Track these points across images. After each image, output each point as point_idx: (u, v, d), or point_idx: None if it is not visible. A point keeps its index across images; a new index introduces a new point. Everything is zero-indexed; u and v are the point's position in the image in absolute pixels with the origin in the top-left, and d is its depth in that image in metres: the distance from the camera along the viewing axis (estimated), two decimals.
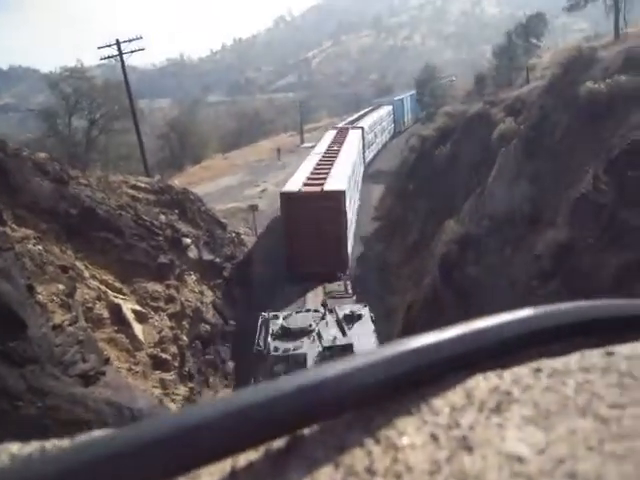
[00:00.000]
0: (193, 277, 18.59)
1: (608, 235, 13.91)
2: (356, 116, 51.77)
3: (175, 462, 0.47)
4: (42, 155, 17.32)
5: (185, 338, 16.29)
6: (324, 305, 15.06)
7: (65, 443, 0.58)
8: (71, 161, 23.73)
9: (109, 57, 30.10)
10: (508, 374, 0.62)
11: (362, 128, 38.96)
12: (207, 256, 19.77)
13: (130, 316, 14.79)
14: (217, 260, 20.19)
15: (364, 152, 38.23)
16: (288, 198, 19.95)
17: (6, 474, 0.46)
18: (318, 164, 25.25)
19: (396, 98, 58.13)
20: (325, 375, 0.53)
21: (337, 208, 19.65)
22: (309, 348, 12.26)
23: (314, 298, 17.09)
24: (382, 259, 25.78)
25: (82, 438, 0.56)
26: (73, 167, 19.01)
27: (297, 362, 11.75)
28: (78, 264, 14.67)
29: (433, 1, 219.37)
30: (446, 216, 21.24)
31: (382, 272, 24.28)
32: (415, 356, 0.58)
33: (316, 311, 14.25)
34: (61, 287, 12.62)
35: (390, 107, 54.27)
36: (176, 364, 15.36)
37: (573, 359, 0.65)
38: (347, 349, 11.86)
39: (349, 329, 13.06)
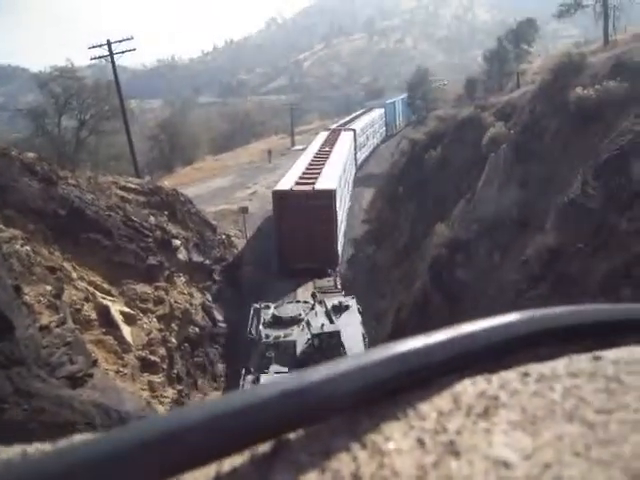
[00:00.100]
0: (182, 279, 18.54)
1: (597, 240, 13.99)
2: (348, 118, 52.26)
3: (158, 467, 0.46)
4: (31, 155, 17.21)
5: (174, 340, 16.22)
6: (314, 296, 15.72)
7: (47, 447, 0.58)
8: (60, 161, 23.58)
9: (100, 57, 29.99)
10: (496, 378, 0.62)
11: (354, 130, 39.62)
12: (197, 258, 19.73)
13: (118, 318, 14.71)
14: (207, 262, 20.15)
15: (356, 154, 38.97)
16: (280, 196, 20.48)
17: None
18: (310, 164, 25.83)
19: (388, 101, 58.66)
20: (311, 380, 0.53)
21: (328, 206, 20.16)
22: (298, 335, 12.84)
23: (304, 293, 17.49)
24: (372, 262, 25.83)
25: (63, 443, 0.56)
26: (62, 167, 18.90)
27: (287, 348, 12.39)
28: (66, 265, 14.58)
29: (425, 5, 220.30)
30: (436, 220, 21.33)
31: (372, 274, 24.32)
32: (402, 360, 0.57)
33: (306, 302, 14.90)
34: (49, 288, 12.54)
35: (382, 110, 54.84)
36: (164, 366, 15.30)
37: (561, 364, 0.64)
38: (334, 336, 12.47)
39: (337, 318, 13.63)
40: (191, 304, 17.90)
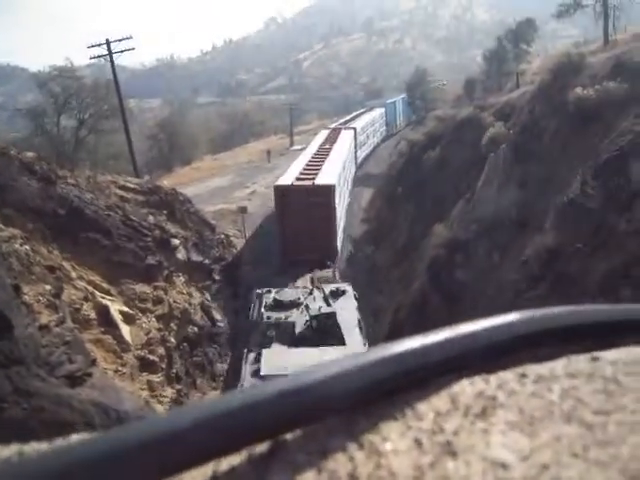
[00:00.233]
0: (181, 278, 18.52)
1: (596, 240, 14.00)
2: (349, 117, 52.45)
3: (156, 466, 0.46)
4: (30, 154, 17.20)
5: (173, 340, 16.21)
6: (312, 282, 16.99)
7: (44, 447, 0.57)
8: (59, 160, 23.57)
9: (99, 56, 30.02)
10: (494, 379, 0.62)
11: (354, 129, 39.99)
12: (196, 257, 19.71)
13: (117, 317, 14.70)
14: (206, 262, 20.14)
15: (356, 152, 39.57)
16: (282, 191, 21.34)
17: None
18: (311, 160, 26.70)
19: (389, 101, 58.94)
20: (308, 380, 0.53)
21: (327, 201, 20.99)
22: (297, 317, 13.75)
23: (304, 284, 18.10)
24: (371, 262, 25.84)
25: (60, 443, 0.55)
26: (61, 167, 18.89)
27: (286, 329, 13.26)
28: (65, 264, 14.56)
29: (424, 5, 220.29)
30: (435, 220, 21.35)
31: (371, 274, 24.32)
32: (399, 361, 0.57)
33: (305, 288, 16.08)
34: (48, 287, 12.52)
35: (383, 110, 55.07)
36: (163, 366, 15.28)
37: (559, 364, 0.64)
38: (331, 317, 13.37)
39: (334, 302, 14.61)
40: (190, 304, 17.89)
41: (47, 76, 34.83)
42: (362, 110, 57.66)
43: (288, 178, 22.60)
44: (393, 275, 24.03)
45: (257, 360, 11.79)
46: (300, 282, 18.44)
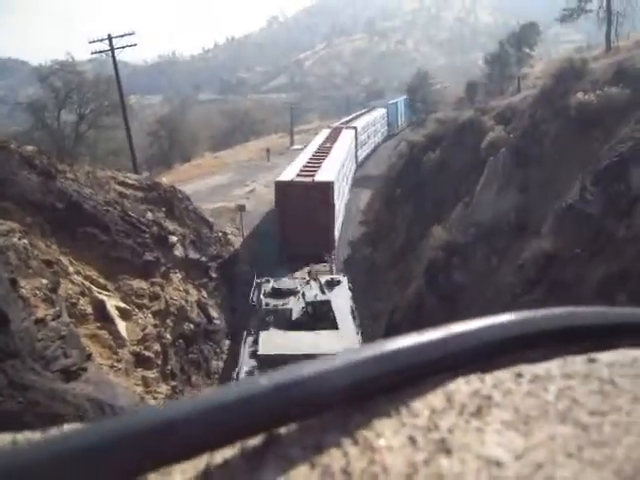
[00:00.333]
0: (178, 275, 18.51)
1: (594, 246, 14.00)
2: (351, 117, 52.60)
3: (145, 457, 0.46)
4: (30, 148, 17.19)
5: (169, 336, 16.21)
6: (309, 273, 17.92)
7: (37, 436, 0.57)
8: (59, 155, 23.51)
9: (100, 52, 29.95)
10: (490, 378, 0.62)
11: (355, 128, 40.47)
12: (193, 255, 19.71)
13: (114, 313, 14.70)
14: (203, 259, 20.14)
15: (357, 151, 40.29)
16: (282, 186, 22.20)
17: None
18: (312, 158, 27.46)
19: (390, 101, 59.32)
20: (303, 374, 0.52)
21: (326, 197, 21.69)
22: (294, 304, 14.68)
23: (302, 276, 18.67)
24: (369, 263, 25.85)
25: (53, 432, 0.55)
26: (61, 161, 18.84)
27: (284, 314, 14.18)
28: (63, 259, 14.56)
29: (427, 7, 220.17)
30: (433, 222, 21.34)
31: (369, 276, 24.33)
32: (393, 358, 0.57)
33: (302, 278, 17.13)
34: (45, 282, 12.52)
35: (384, 110, 55.28)
36: (159, 362, 15.29)
37: (555, 365, 0.64)
38: (325, 304, 14.30)
39: (329, 291, 15.58)
40: (186, 301, 17.89)
41: (48, 70, 34.83)
42: (364, 110, 57.81)
43: (289, 174, 23.28)
44: (390, 276, 24.05)
45: (255, 342, 12.53)
46: (298, 274, 18.98)
